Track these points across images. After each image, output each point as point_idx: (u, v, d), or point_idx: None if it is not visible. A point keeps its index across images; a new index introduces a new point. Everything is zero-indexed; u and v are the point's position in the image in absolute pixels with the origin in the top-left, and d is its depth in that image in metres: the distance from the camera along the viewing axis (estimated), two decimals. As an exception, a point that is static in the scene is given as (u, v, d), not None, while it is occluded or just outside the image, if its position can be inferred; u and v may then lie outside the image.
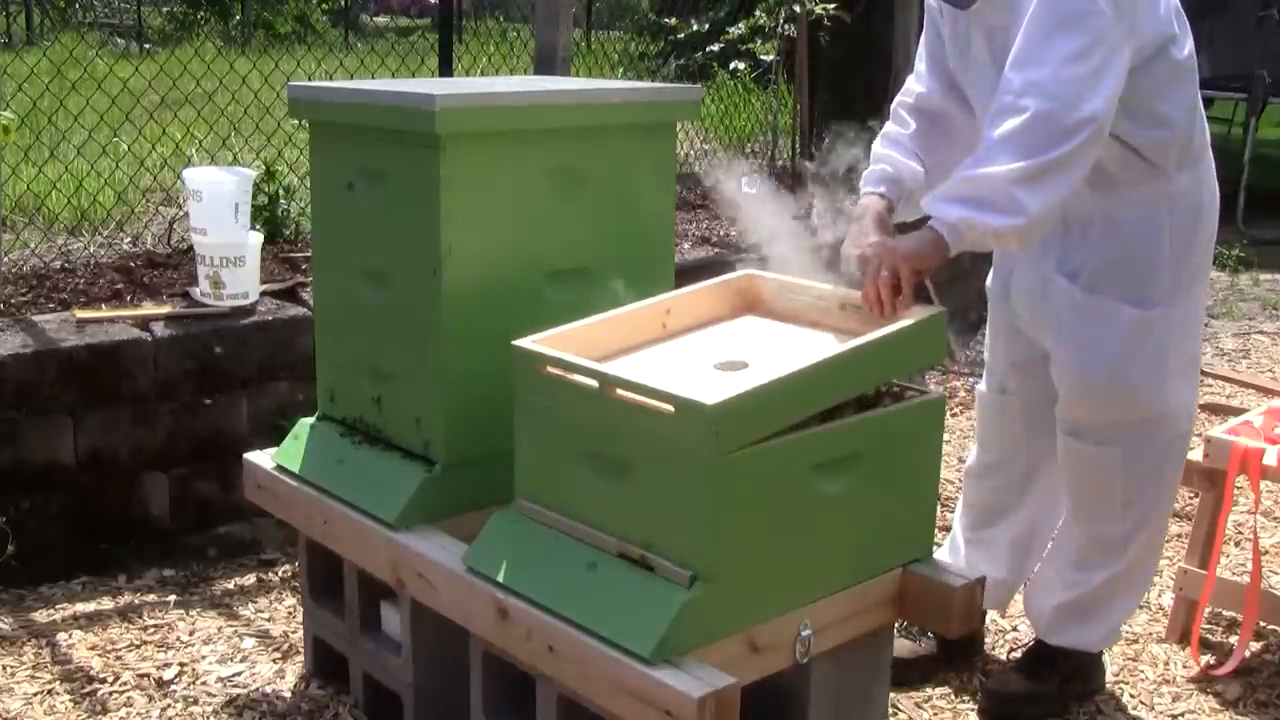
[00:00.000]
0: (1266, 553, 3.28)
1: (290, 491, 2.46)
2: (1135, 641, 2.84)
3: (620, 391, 1.86)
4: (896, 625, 2.34)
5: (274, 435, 2.88)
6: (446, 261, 2.17)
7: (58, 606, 2.91)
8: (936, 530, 2.30)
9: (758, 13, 5.68)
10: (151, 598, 2.97)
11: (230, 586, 3.06)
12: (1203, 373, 4.60)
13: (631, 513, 1.88)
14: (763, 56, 5.66)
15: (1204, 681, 2.67)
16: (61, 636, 2.77)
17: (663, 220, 2.47)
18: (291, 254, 3.89)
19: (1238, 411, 3.87)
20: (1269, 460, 2.63)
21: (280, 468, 2.50)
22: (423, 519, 2.24)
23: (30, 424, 2.97)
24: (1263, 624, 2.83)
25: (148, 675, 2.62)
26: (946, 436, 3.86)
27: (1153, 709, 2.59)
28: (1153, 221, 2.29)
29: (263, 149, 4.79)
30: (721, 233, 4.80)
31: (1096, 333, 2.32)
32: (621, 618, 1.82)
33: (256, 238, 3.34)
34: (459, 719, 2.18)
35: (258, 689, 2.59)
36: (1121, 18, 2.06)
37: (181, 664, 2.67)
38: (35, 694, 2.54)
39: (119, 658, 2.69)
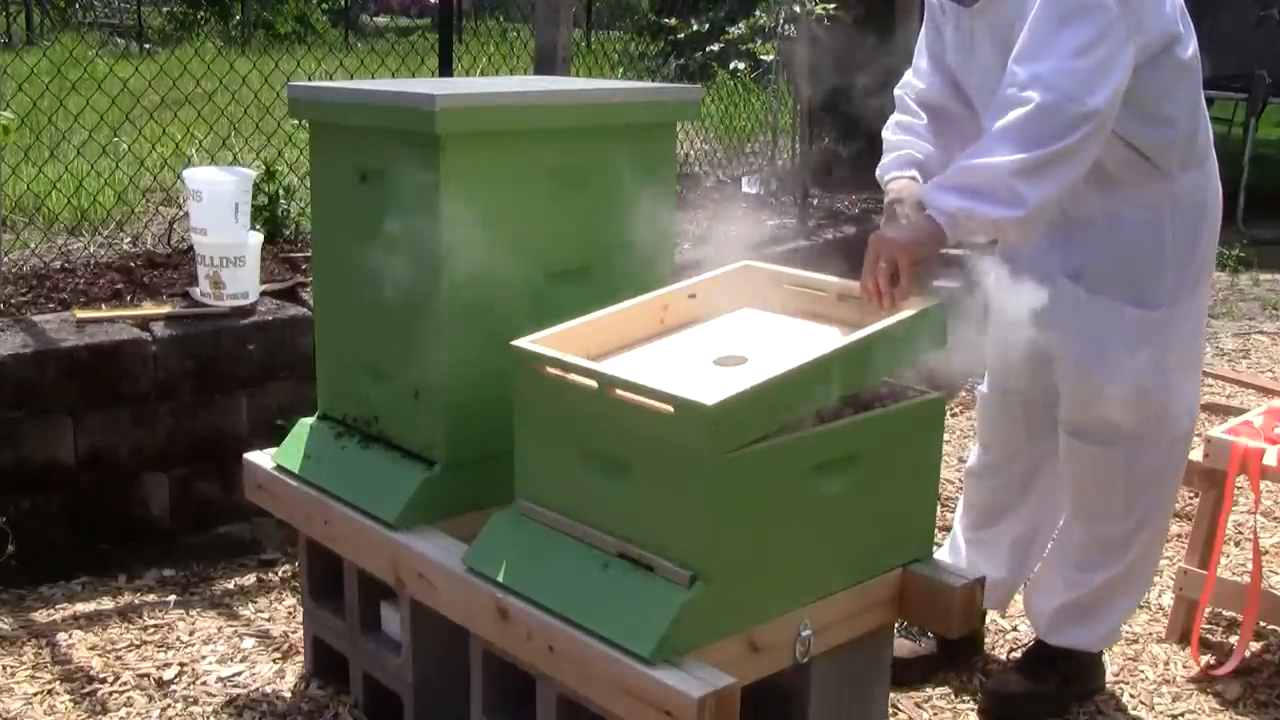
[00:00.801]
0: (1266, 553, 3.27)
1: (290, 491, 2.46)
2: (1135, 641, 2.84)
3: (619, 392, 1.86)
4: (896, 625, 2.34)
5: (274, 435, 2.88)
6: (446, 261, 2.17)
7: (58, 606, 2.91)
8: (936, 530, 2.30)
9: (758, 13, 5.68)
10: (151, 598, 2.97)
11: (230, 586, 3.06)
12: (1203, 373, 4.60)
13: (631, 513, 1.88)
14: (763, 56, 5.65)
15: (1204, 681, 2.67)
16: (61, 636, 2.77)
17: (663, 220, 2.47)
18: (291, 254, 3.89)
19: (1238, 411, 3.87)
20: (1269, 460, 2.63)
21: (280, 468, 2.50)
22: (423, 519, 2.24)
23: (30, 424, 2.97)
24: (1263, 624, 2.83)
25: (148, 675, 2.62)
26: (946, 436, 3.86)
27: (1153, 709, 2.59)
28: (1156, 222, 2.29)
29: (263, 149, 4.79)
30: (721, 232, 4.79)
31: (1099, 333, 2.32)
32: (621, 618, 1.82)
33: (256, 238, 3.34)
34: (459, 719, 2.18)
35: (258, 689, 2.59)
36: (1127, 14, 2.07)
37: (181, 664, 2.67)
38: (35, 694, 2.54)
39: (119, 658, 2.69)
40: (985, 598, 2.23)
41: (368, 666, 2.43)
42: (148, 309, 3.26)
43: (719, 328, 2.25)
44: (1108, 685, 2.64)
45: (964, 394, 4.47)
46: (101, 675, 2.62)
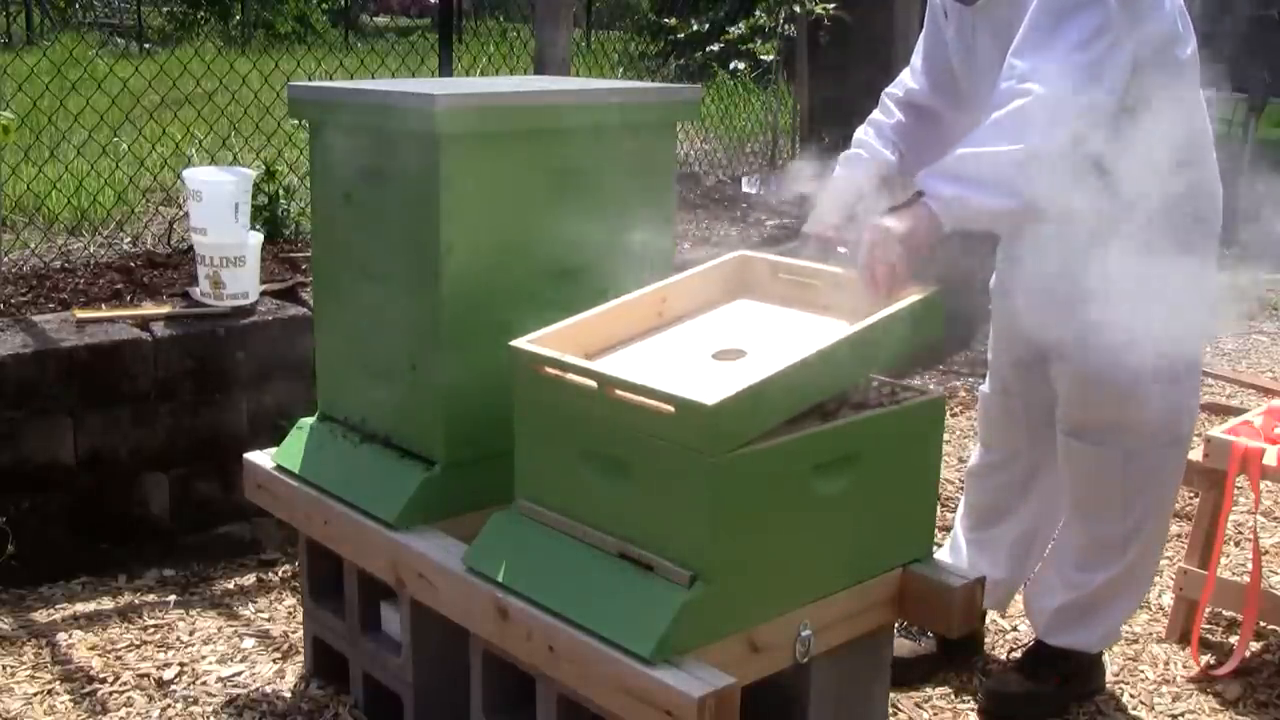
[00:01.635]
0: (1266, 553, 3.28)
1: (290, 491, 2.46)
2: (1135, 641, 2.84)
3: (619, 392, 1.86)
4: (896, 625, 2.34)
5: (274, 435, 2.88)
6: (446, 261, 2.17)
7: (58, 606, 2.91)
8: (936, 530, 2.30)
9: (758, 13, 5.69)
10: (151, 598, 2.97)
11: (230, 586, 3.06)
12: (1203, 373, 4.60)
13: (631, 513, 1.88)
14: (763, 56, 5.66)
15: (1204, 681, 2.67)
16: (61, 636, 2.77)
17: (663, 220, 2.47)
18: (291, 254, 3.89)
19: (1238, 411, 3.87)
20: (1269, 460, 2.63)
21: (280, 468, 2.50)
22: (423, 519, 2.23)
23: (30, 424, 2.97)
24: (1263, 624, 2.83)
25: (148, 675, 2.62)
26: (946, 436, 3.86)
27: (1153, 709, 2.59)
28: (1152, 221, 2.29)
29: (263, 149, 4.79)
30: (722, 232, 4.80)
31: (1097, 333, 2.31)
32: (621, 618, 1.82)
33: (256, 238, 3.34)
34: (459, 719, 2.18)
35: (258, 689, 2.59)
36: (1126, 10, 2.07)
37: (181, 664, 2.67)
38: (35, 694, 2.54)
39: (119, 658, 2.69)
40: (985, 598, 2.23)
41: (368, 666, 2.43)
42: (148, 309, 3.26)
43: (717, 320, 2.24)
44: (1108, 685, 2.64)
45: (964, 394, 4.47)
46: (101, 675, 2.62)
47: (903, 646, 2.59)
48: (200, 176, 3.32)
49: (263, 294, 3.40)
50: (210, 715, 2.49)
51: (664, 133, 2.47)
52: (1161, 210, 2.29)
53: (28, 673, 2.62)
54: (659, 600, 1.81)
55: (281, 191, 4.19)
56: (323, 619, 2.54)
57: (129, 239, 4.18)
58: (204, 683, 2.60)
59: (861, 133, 2.45)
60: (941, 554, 2.65)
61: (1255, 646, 2.79)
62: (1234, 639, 2.78)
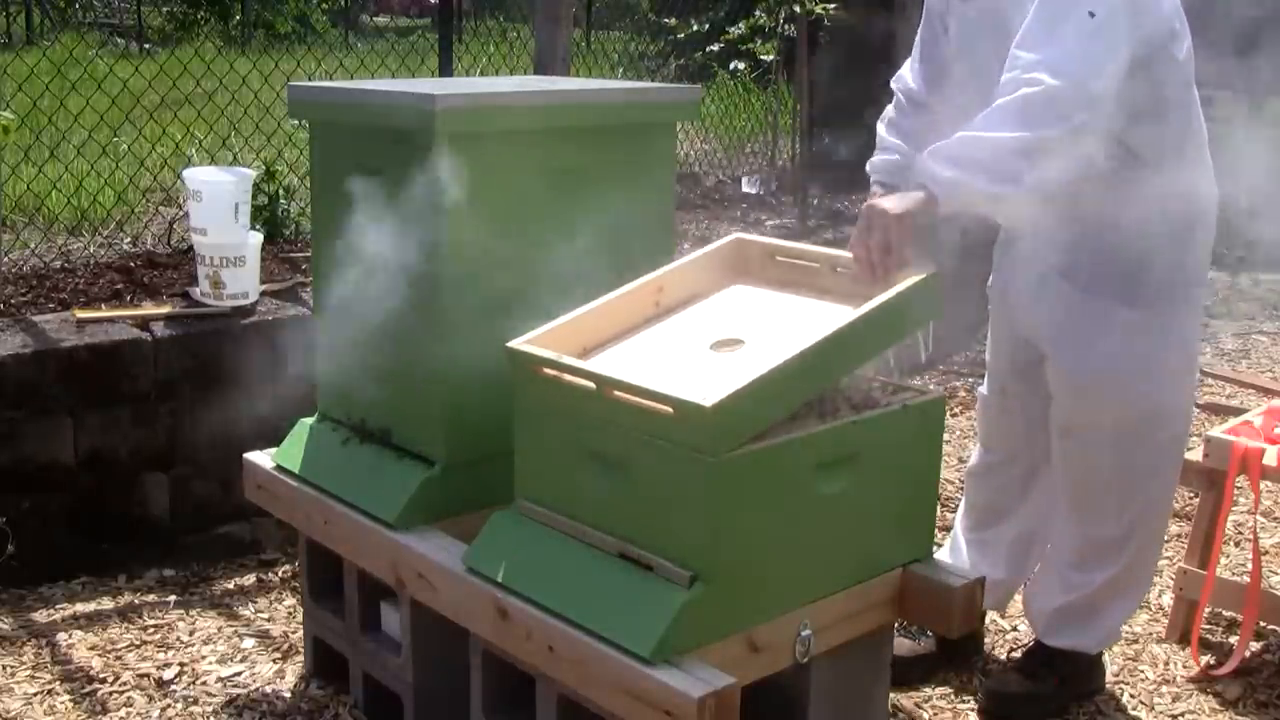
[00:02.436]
0: (1266, 553, 3.27)
1: (290, 491, 2.46)
2: (1135, 641, 2.84)
3: (617, 393, 1.86)
4: (896, 625, 2.34)
5: (274, 435, 2.88)
6: (446, 261, 2.17)
7: (58, 606, 2.91)
8: (936, 530, 2.30)
9: (758, 13, 5.69)
10: (151, 598, 2.98)
11: (230, 586, 3.06)
12: (1203, 373, 4.61)
13: (631, 513, 1.88)
14: (763, 56, 5.66)
15: (1204, 681, 2.67)
16: (61, 636, 2.77)
17: (663, 220, 2.47)
18: (291, 254, 3.89)
19: (1238, 411, 3.87)
20: (1269, 460, 2.63)
21: (280, 468, 2.50)
22: (423, 519, 2.24)
23: (30, 424, 2.97)
24: (1263, 624, 2.83)
25: (148, 675, 2.62)
26: (946, 436, 3.86)
27: (1153, 709, 2.59)
28: (1149, 221, 2.29)
29: (263, 149, 4.79)
30: (722, 232, 4.80)
31: (1091, 333, 2.32)
32: (621, 618, 1.82)
33: (256, 238, 3.34)
34: (459, 719, 2.18)
35: (258, 689, 2.59)
36: (1128, 6, 2.07)
37: (181, 664, 2.67)
38: (35, 694, 2.54)
39: (119, 658, 2.69)
40: (985, 598, 2.23)
41: (368, 666, 2.43)
42: (148, 309, 3.26)
43: (714, 308, 2.24)
44: (1108, 685, 2.64)
45: (964, 394, 4.47)
46: (101, 675, 2.62)
47: (902, 646, 2.59)
48: (200, 176, 3.32)
49: (263, 294, 3.40)
50: (210, 715, 2.49)
51: (664, 133, 2.47)
52: (1156, 210, 2.30)
53: (28, 673, 2.62)
54: (659, 600, 1.81)
55: (281, 191, 4.19)
56: (323, 619, 2.54)
57: (129, 239, 4.18)
58: (204, 683, 2.60)
59: (886, 133, 2.48)
60: (941, 554, 2.65)
61: (1255, 646, 2.79)
62: (1234, 639, 2.78)
